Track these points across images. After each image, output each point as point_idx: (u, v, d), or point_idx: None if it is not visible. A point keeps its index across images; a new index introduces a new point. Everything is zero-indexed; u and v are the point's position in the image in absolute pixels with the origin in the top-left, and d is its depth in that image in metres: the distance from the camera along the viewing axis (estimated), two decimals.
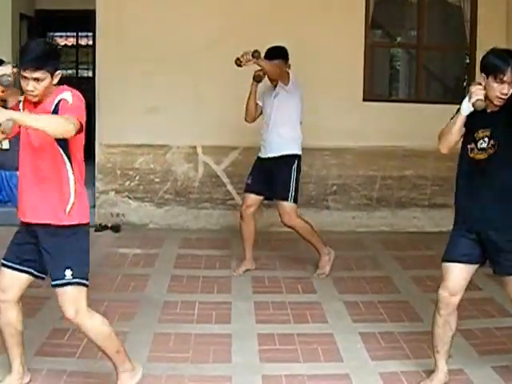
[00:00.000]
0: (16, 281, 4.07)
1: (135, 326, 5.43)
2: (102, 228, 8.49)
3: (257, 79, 6.66)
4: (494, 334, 5.36)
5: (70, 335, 5.10)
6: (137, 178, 8.71)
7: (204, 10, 8.48)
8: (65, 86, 3.96)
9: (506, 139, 4.10)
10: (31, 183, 3.96)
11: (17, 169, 4.09)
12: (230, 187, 8.74)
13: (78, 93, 3.96)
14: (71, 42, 17.19)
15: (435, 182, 8.90)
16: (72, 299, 3.96)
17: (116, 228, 8.56)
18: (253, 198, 6.83)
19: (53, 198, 3.93)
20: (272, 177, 6.68)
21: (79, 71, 16.29)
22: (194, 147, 8.71)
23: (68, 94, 3.89)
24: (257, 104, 6.79)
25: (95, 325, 4.04)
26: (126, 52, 8.41)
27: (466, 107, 4.12)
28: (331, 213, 8.79)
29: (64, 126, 3.66)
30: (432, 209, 8.95)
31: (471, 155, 4.20)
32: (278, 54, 6.60)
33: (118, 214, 8.73)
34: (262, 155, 6.79)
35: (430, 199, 8.95)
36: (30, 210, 3.98)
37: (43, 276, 4.14)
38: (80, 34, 16.05)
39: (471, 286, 4.45)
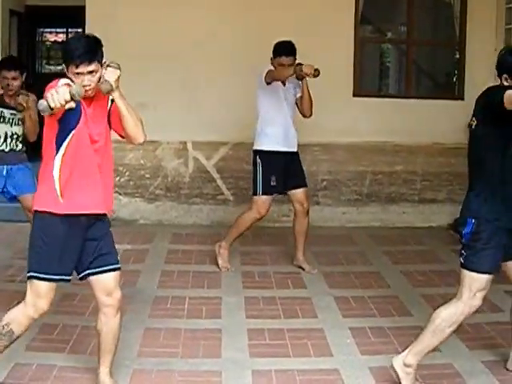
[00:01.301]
0: None
1: (126, 321, 5.34)
2: None
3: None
4: (484, 329, 5.37)
5: (60, 330, 5.13)
6: (127, 173, 8.70)
7: (194, 7, 8.46)
8: None
9: None
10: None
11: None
12: (219, 182, 8.74)
13: None
14: (61, 38, 17.18)
15: (425, 177, 8.93)
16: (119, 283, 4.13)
17: None
18: (271, 200, 6.76)
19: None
20: (288, 169, 6.71)
21: None
22: (185, 143, 8.71)
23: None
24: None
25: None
26: (116, 48, 8.25)
27: None
28: (321, 208, 8.80)
29: (142, 129, 3.95)
30: (422, 204, 8.98)
31: None
32: (294, 50, 6.55)
33: None
34: (282, 148, 6.66)
35: (419, 194, 8.97)
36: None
37: None
38: (70, 30, 16.01)
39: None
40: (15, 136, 6.24)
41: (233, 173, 8.30)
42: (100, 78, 3.84)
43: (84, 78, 3.78)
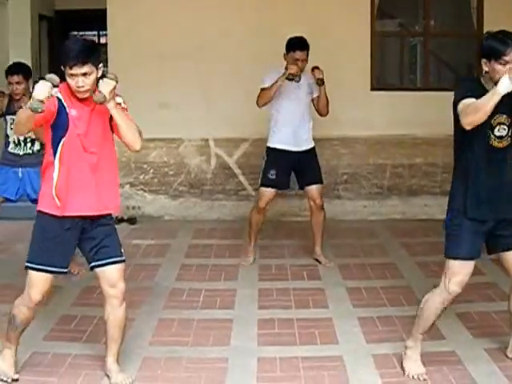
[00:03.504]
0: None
1: (141, 312, 5.59)
2: (118, 221, 8.64)
3: (295, 78, 6.65)
4: (491, 317, 5.43)
5: (77, 321, 5.33)
6: (151, 171, 8.89)
7: (211, 5, 8.63)
8: None
9: None
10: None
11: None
12: (241, 178, 8.89)
13: None
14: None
15: (446, 169, 8.90)
16: (123, 275, 4.30)
17: (132, 220, 8.74)
18: (274, 193, 6.90)
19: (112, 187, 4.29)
20: (301, 167, 6.83)
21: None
22: (206, 140, 8.87)
23: (120, 99, 4.15)
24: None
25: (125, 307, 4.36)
26: (138, 48, 8.57)
27: (508, 85, 3.81)
28: (342, 202, 8.89)
29: (139, 137, 4.16)
30: (443, 196, 8.90)
31: (490, 142, 4.14)
32: (307, 45, 6.70)
33: (133, 207, 8.91)
34: (291, 148, 6.78)
35: (440, 186, 8.97)
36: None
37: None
38: (101, 32, 16.20)
39: (475, 270, 4.43)
40: (28, 139, 6.45)
41: (254, 168, 8.38)
42: (97, 81, 3.99)
43: (78, 80, 3.95)
